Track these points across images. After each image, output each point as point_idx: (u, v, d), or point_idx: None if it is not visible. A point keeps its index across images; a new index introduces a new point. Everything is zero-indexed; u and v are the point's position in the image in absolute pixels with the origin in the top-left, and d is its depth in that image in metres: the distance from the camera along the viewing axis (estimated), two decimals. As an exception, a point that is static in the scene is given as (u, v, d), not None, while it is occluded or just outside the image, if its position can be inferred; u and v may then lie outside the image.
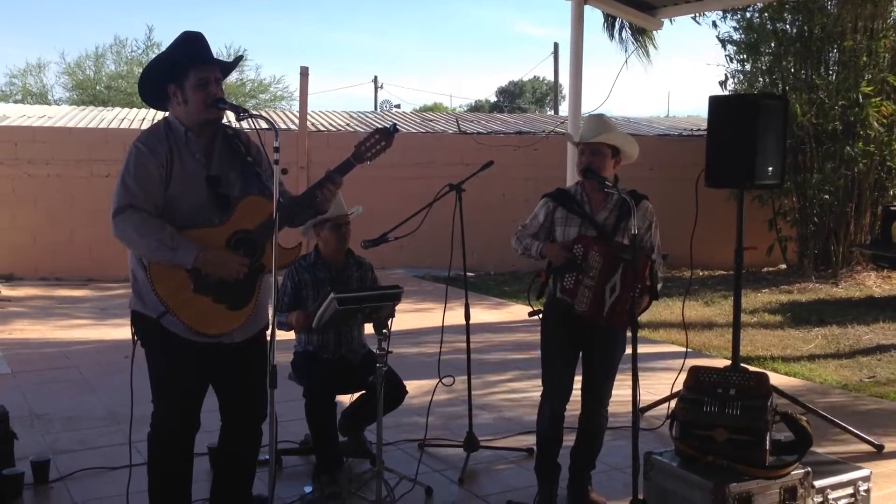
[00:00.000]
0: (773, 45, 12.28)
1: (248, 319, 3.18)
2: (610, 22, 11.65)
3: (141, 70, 3.32)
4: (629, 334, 3.53)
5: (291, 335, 4.43)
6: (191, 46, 3.13)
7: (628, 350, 3.54)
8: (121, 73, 27.85)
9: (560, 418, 3.95)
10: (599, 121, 3.92)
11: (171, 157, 3.10)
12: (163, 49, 3.31)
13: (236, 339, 3.21)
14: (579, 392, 3.97)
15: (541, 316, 3.99)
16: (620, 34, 11.91)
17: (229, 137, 3.27)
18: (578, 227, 3.84)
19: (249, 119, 3.15)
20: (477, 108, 46.30)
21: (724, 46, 12.68)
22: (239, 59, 3.61)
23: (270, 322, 3.21)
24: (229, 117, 3.27)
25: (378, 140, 3.27)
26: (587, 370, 3.97)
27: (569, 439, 4.04)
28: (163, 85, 3.16)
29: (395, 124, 3.46)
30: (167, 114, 3.24)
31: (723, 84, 12.79)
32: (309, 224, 4.34)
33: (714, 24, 12.75)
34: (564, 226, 3.88)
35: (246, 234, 3.11)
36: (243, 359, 3.28)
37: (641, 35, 12.07)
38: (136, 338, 3.22)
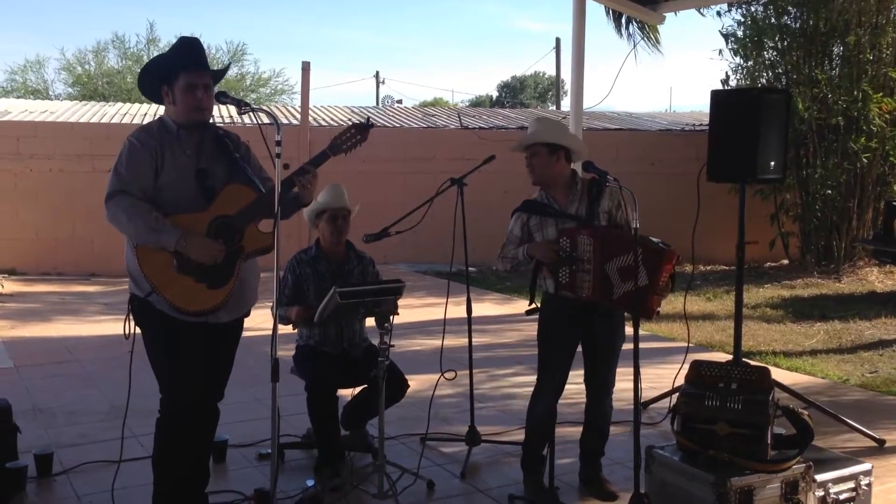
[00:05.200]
0: (776, 39, 12.25)
1: (230, 298, 3.31)
2: (616, 16, 11.52)
3: (141, 66, 3.50)
4: (629, 325, 3.54)
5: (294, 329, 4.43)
6: (185, 52, 3.34)
7: (628, 342, 3.54)
8: (121, 69, 27.65)
9: (553, 413, 3.96)
10: (536, 124, 4.04)
11: (163, 150, 3.30)
12: (163, 47, 3.46)
13: (222, 320, 3.36)
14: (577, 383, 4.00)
15: (538, 314, 4.00)
16: (628, 28, 11.79)
17: (220, 137, 3.45)
18: (555, 225, 3.88)
19: (251, 113, 3.27)
20: (479, 103, 46.25)
21: (726, 41, 12.62)
22: (227, 67, 3.92)
23: (272, 316, 3.28)
24: (230, 111, 3.38)
25: (354, 134, 3.47)
26: (590, 361, 4.00)
27: (576, 430, 4.05)
28: (157, 85, 3.37)
29: (369, 118, 3.66)
30: (162, 113, 3.46)
31: (724, 82, 12.70)
32: (312, 215, 4.39)
33: (718, 14, 12.64)
34: (542, 230, 3.93)
35: (226, 219, 3.29)
36: (224, 340, 3.46)
37: (648, 27, 11.98)
38: (132, 318, 3.38)
